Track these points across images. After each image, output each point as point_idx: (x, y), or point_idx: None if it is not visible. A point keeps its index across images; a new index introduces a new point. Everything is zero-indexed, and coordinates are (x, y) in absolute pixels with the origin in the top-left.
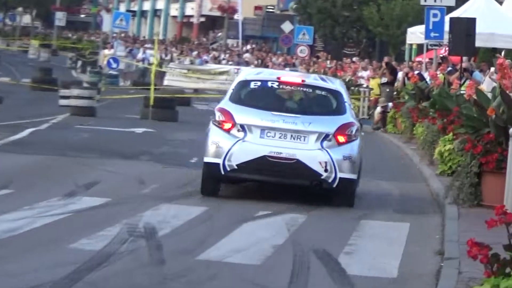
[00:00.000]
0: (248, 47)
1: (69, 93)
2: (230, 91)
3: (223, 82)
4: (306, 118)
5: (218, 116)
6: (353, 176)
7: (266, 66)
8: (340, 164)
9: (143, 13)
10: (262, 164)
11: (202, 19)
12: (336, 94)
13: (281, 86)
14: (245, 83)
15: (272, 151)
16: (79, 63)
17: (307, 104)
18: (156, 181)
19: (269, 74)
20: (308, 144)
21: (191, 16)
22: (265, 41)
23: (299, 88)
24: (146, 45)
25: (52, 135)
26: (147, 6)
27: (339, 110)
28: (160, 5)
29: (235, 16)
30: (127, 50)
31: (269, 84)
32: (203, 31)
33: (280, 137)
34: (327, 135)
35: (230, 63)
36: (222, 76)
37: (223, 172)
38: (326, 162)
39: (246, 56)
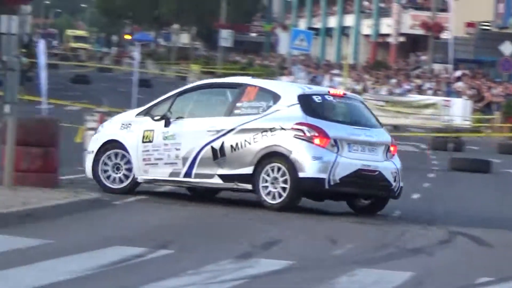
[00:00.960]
0: (459, 73)
1: None
2: (290, 106)
3: (429, 117)
4: (374, 131)
5: (307, 130)
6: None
7: (482, 97)
8: (401, 174)
9: (328, 31)
10: (357, 177)
11: (401, 39)
12: (367, 106)
13: (336, 100)
14: (307, 97)
15: (363, 165)
16: None
17: (366, 117)
18: (351, 240)
19: (317, 89)
20: (378, 156)
21: (388, 35)
22: (479, 65)
23: (347, 101)
24: (332, 71)
25: None
26: (333, 22)
27: (379, 122)
28: (349, 21)
29: (443, 35)
30: (310, 77)
31: (327, 98)
32: (403, 53)
33: (361, 150)
34: (388, 147)
35: (438, 93)
36: (427, 109)
37: (327, 187)
38: (396, 173)
39: (458, 85)
